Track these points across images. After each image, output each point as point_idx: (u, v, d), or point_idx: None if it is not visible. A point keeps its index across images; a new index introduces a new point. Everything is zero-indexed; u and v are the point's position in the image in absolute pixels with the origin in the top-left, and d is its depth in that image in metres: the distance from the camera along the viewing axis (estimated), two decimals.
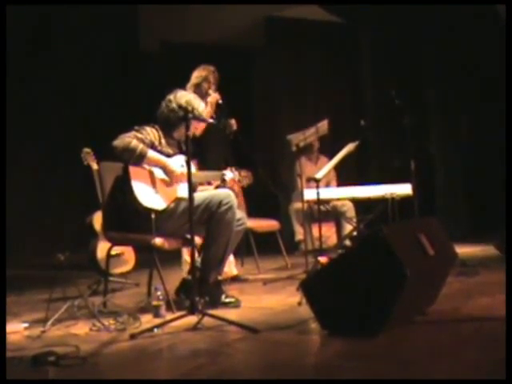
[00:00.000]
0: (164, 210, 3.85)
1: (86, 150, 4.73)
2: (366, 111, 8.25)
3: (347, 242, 6.32)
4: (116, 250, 4.69)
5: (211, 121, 4.03)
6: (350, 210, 6.44)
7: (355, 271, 2.97)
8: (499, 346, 2.51)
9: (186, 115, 3.63)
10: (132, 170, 3.83)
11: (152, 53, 8.18)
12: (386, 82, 7.62)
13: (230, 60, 7.82)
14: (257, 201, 5.80)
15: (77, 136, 7.07)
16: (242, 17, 8.07)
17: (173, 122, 4.04)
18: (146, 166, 3.88)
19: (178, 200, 3.92)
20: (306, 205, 5.25)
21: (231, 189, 4.16)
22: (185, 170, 3.92)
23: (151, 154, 3.88)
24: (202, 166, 4.51)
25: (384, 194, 5.15)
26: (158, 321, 3.44)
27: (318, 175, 4.99)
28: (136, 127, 3.94)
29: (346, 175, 6.87)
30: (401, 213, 5.12)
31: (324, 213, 5.53)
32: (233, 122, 4.82)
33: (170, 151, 4.04)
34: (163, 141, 4.02)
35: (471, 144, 8.00)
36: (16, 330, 3.44)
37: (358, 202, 6.24)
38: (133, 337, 3.15)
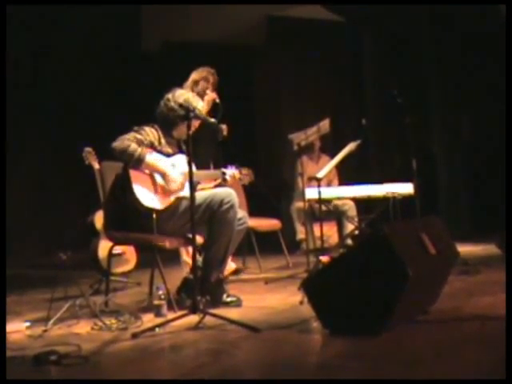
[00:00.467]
0: (165, 210, 3.85)
1: (88, 149, 4.73)
2: (367, 110, 8.24)
3: (349, 242, 6.32)
4: (117, 250, 4.69)
5: (212, 120, 4.02)
6: (351, 209, 6.44)
7: (357, 270, 2.97)
8: (500, 345, 2.51)
9: (187, 114, 3.63)
10: (132, 171, 3.83)
11: (153, 53, 8.19)
12: (387, 81, 7.62)
13: (231, 60, 7.84)
14: (258, 200, 5.80)
15: (78, 135, 7.08)
16: (243, 17, 8.08)
17: (172, 121, 4.04)
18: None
19: (179, 199, 3.92)
20: (307, 204, 5.25)
21: (231, 187, 4.15)
22: (178, 171, 3.93)
23: (149, 159, 3.84)
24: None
25: (386, 193, 5.14)
26: (159, 320, 3.44)
27: (320, 174, 4.99)
28: (135, 128, 3.93)
29: (347, 174, 6.86)
30: (402, 212, 5.11)
31: (325, 212, 5.52)
32: (224, 127, 4.77)
33: (170, 150, 4.03)
34: (163, 140, 4.01)
35: (473, 143, 8.00)
36: (18, 329, 3.45)
37: (359, 201, 6.24)
38: (134, 336, 3.16)
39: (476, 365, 2.44)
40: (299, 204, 6.21)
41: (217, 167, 4.59)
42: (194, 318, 3.32)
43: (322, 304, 3.06)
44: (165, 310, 3.61)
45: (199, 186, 4.20)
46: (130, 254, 5.03)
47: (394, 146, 7.90)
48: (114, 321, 3.46)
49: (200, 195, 3.88)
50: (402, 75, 7.60)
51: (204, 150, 4.86)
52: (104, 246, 4.71)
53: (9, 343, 3.08)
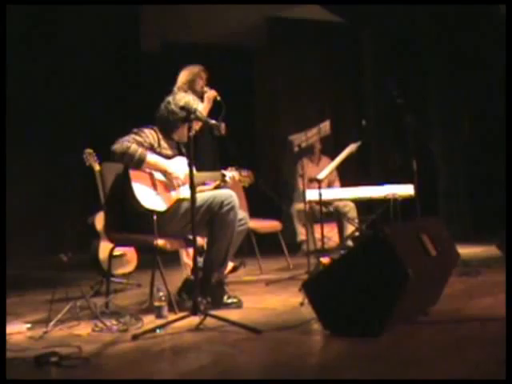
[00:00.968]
0: (166, 211, 3.85)
1: (88, 150, 4.73)
2: (367, 111, 8.24)
3: (349, 243, 6.31)
4: (118, 251, 4.69)
5: (213, 122, 4.01)
6: (352, 210, 6.43)
7: (357, 272, 2.97)
8: (500, 346, 2.51)
9: (188, 116, 3.63)
10: (132, 171, 3.84)
11: (153, 53, 8.18)
12: (387, 81, 7.61)
13: (230, 60, 7.84)
14: (258, 201, 5.80)
15: (78, 136, 7.08)
16: (243, 17, 8.07)
17: (173, 124, 4.04)
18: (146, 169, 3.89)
19: (180, 201, 3.92)
20: (307, 205, 5.24)
21: (231, 189, 4.15)
22: (183, 172, 3.93)
23: (151, 158, 3.87)
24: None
25: (386, 194, 5.15)
26: (160, 321, 3.44)
27: (320, 176, 4.99)
28: (135, 130, 3.95)
29: (347, 176, 6.86)
30: (403, 213, 5.11)
31: (326, 213, 5.52)
32: (223, 126, 4.75)
33: (170, 153, 4.04)
34: (162, 142, 4.03)
35: (473, 144, 7.99)
36: (18, 330, 3.45)
37: (360, 203, 6.24)
38: (135, 337, 3.16)
39: (476, 365, 2.45)
40: (300, 205, 6.21)
41: (216, 169, 4.59)
42: (194, 320, 3.32)
43: (322, 305, 3.06)
44: (165, 311, 3.61)
45: (198, 188, 4.20)
46: (130, 255, 5.02)
47: (394, 146, 7.89)
48: (114, 322, 3.46)
49: (200, 197, 3.88)
50: (402, 75, 7.60)
51: (203, 153, 4.86)
52: (104, 248, 4.71)
53: (9, 345, 3.08)
